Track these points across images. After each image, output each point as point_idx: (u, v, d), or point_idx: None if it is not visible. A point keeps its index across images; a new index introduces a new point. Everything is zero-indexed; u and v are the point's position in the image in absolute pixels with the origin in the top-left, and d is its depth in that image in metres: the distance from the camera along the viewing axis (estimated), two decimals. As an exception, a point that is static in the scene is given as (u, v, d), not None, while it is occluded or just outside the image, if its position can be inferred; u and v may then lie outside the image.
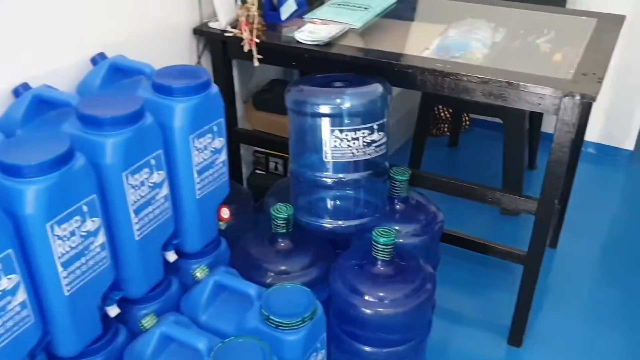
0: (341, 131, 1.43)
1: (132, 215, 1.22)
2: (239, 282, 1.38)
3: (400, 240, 1.58)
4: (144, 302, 1.37)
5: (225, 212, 1.52)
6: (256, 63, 1.68)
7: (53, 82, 1.34)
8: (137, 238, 1.25)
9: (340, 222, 1.53)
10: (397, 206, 1.67)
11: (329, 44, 1.61)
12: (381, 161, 1.52)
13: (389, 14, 1.88)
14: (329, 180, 1.48)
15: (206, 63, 1.82)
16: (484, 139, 2.82)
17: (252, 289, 1.35)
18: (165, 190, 1.29)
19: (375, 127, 1.45)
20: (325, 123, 1.42)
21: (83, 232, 1.11)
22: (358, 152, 1.45)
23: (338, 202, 1.53)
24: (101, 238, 1.16)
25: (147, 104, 1.29)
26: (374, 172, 1.51)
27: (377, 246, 1.41)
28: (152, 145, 1.23)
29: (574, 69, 1.46)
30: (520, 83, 1.40)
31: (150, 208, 1.26)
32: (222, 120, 1.39)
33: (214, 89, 1.36)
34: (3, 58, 1.28)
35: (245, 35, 1.65)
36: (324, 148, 1.45)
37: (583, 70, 1.45)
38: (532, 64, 1.56)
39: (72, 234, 1.10)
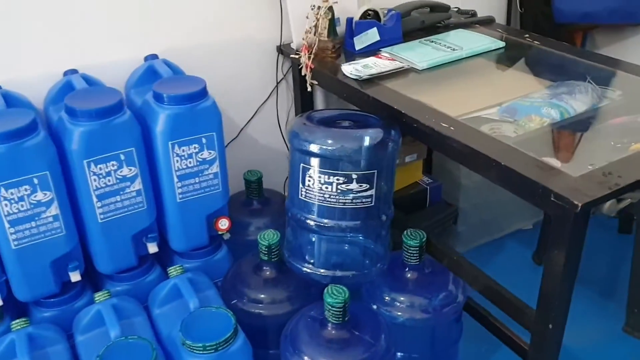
0: (315, 172, 1.33)
1: (95, 199, 1.36)
2: (189, 292, 1.42)
3: (399, 314, 1.42)
4: (115, 280, 1.51)
5: (223, 223, 1.56)
6: (309, 88, 1.66)
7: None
8: (100, 220, 1.39)
9: (321, 270, 1.44)
10: (408, 274, 1.48)
11: (368, 80, 1.50)
12: (369, 214, 1.37)
13: (491, 57, 1.65)
14: (304, 220, 1.39)
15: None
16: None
17: (192, 303, 1.39)
18: (137, 185, 1.40)
19: (355, 176, 1.32)
20: (302, 159, 1.35)
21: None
22: (331, 198, 1.34)
23: (310, 247, 1.44)
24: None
25: (144, 107, 1.43)
26: (359, 224, 1.38)
27: (326, 306, 1.30)
28: (124, 141, 1.35)
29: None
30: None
31: (117, 197, 1.39)
32: (214, 133, 1.43)
33: (208, 101, 1.42)
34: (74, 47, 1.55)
35: (303, 59, 1.64)
36: (300, 185, 1.37)
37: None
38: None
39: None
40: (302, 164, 1.36)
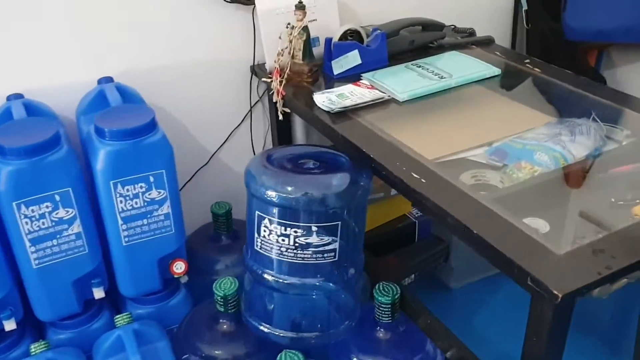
0: (270, 222, 1.18)
1: (27, 243, 1.22)
2: (132, 346, 1.28)
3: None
4: (57, 327, 1.38)
5: (178, 267, 1.41)
6: (280, 116, 1.50)
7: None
8: (34, 266, 1.25)
9: (278, 331, 1.27)
10: (379, 333, 1.32)
11: (341, 113, 1.34)
12: (333, 270, 1.21)
13: (484, 86, 1.47)
14: (259, 274, 1.24)
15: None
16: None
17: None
18: (76, 228, 1.26)
19: (315, 229, 1.16)
20: (258, 206, 1.19)
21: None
22: (288, 252, 1.18)
23: (267, 304, 1.28)
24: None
25: (87, 141, 1.29)
26: (321, 282, 1.21)
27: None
28: (59, 181, 1.21)
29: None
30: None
31: (53, 241, 1.25)
32: (163, 171, 1.28)
33: (156, 136, 1.26)
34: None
35: (274, 84, 1.48)
36: (255, 234, 1.22)
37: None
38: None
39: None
40: (257, 212, 1.20)
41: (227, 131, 1.68)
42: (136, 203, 1.29)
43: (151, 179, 1.27)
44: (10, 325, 1.31)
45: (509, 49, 1.66)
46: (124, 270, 1.36)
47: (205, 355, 1.32)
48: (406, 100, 1.39)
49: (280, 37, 1.48)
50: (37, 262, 1.25)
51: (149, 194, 1.29)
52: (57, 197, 1.21)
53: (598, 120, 1.31)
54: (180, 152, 1.62)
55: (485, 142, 1.28)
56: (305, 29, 1.47)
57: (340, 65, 1.52)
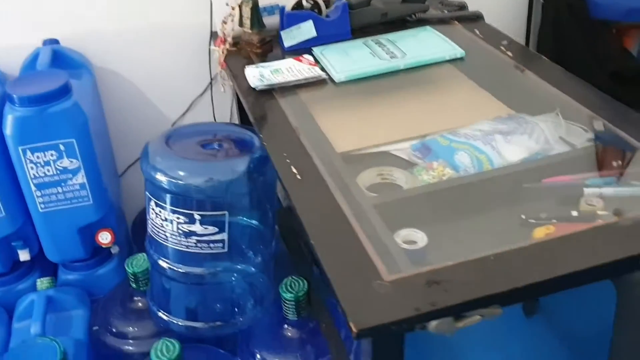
0: (156, 204, 1.10)
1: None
2: (38, 313, 1.27)
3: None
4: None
5: (104, 237, 1.38)
6: (221, 88, 1.40)
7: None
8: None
9: (177, 320, 1.20)
10: (286, 331, 1.22)
11: (266, 92, 1.22)
12: (223, 262, 1.12)
13: (441, 70, 1.28)
14: (151, 255, 1.18)
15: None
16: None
17: (34, 327, 1.25)
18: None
19: (198, 217, 1.07)
20: (147, 186, 1.12)
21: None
22: (173, 238, 1.10)
23: (164, 290, 1.21)
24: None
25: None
26: (210, 272, 1.13)
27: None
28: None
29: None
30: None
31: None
32: (74, 140, 1.24)
33: (66, 103, 1.22)
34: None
35: (217, 53, 1.38)
36: (147, 216, 1.15)
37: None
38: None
39: None
40: (146, 192, 1.13)
41: (187, 102, 1.62)
42: (48, 171, 1.25)
43: (61, 147, 1.24)
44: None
45: (493, 28, 1.44)
46: (44, 235, 1.35)
47: (114, 329, 1.29)
48: (343, 82, 1.25)
49: (227, 3, 1.38)
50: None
51: (61, 163, 1.25)
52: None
53: (561, 117, 1.12)
54: (134, 122, 1.60)
55: (417, 135, 1.12)
56: (253, -4, 1.36)
57: (292, 37, 1.39)
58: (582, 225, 0.88)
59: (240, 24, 1.39)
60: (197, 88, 1.61)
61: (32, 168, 1.25)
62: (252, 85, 1.23)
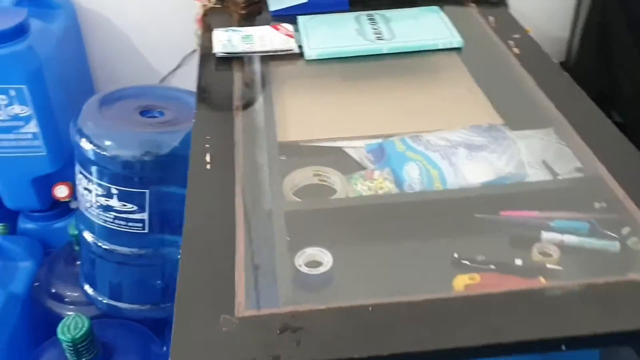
0: (79, 171, 1.01)
1: None
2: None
3: None
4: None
5: (60, 191, 1.32)
6: (196, 46, 1.28)
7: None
8: None
9: (102, 298, 1.14)
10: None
11: (228, 60, 1.09)
12: (144, 243, 1.02)
13: (431, 61, 1.10)
14: (80, 227, 1.10)
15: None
16: None
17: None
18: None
19: (115, 191, 0.97)
20: (76, 148, 1.03)
21: None
22: (91, 209, 1.01)
23: (89, 266, 1.13)
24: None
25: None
26: (132, 252, 1.04)
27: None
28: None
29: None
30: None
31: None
32: (24, 86, 1.16)
33: (17, 46, 1.14)
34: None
35: (198, 7, 1.26)
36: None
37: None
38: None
39: None
40: (75, 155, 1.04)
41: (178, 58, 1.51)
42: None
43: (12, 92, 1.17)
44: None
45: (511, 16, 1.22)
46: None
47: (52, 290, 1.24)
48: (314, 59, 1.10)
49: (212, -46, 1.24)
50: None
51: (12, 109, 1.19)
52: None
53: (553, 137, 0.93)
54: (122, 72, 1.51)
55: (381, 134, 0.97)
56: (238, -51, 1.21)
57: (279, 0, 1.25)
58: (517, 282, 0.72)
59: (225, -22, 1.26)
60: (190, 44, 1.50)
61: None
62: (214, 51, 1.11)
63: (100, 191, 0.99)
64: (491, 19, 1.20)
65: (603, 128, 0.91)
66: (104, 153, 0.95)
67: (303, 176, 0.91)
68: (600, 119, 0.93)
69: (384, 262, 0.77)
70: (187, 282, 0.66)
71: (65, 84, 1.30)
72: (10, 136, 1.23)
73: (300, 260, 0.75)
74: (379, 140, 0.95)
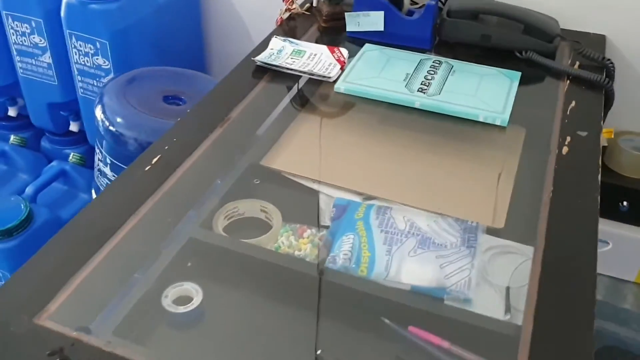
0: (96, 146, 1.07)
1: (14, 52, 1.45)
2: (41, 180, 1.40)
3: None
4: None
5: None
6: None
7: None
8: (20, 74, 1.48)
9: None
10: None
11: (265, 69, 1.05)
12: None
13: (470, 133, 0.95)
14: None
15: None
16: None
17: (29, 189, 1.38)
18: (47, 59, 1.41)
19: (109, 162, 1.01)
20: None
21: None
22: (94, 169, 1.06)
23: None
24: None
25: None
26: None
27: None
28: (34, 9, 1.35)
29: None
30: None
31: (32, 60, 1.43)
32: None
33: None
34: None
35: (281, 11, 1.23)
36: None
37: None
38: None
39: None
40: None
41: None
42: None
43: (33, 23, 1.33)
44: (13, 111, 1.58)
45: (595, 107, 0.98)
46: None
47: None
48: (342, 93, 1.02)
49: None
50: (21, 71, 1.46)
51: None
52: (33, 24, 1.35)
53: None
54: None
55: (365, 193, 0.87)
56: (332, -40, 1.16)
57: (356, 23, 1.17)
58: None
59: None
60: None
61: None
62: (256, 57, 1.09)
63: (100, 156, 1.05)
64: (572, 105, 1.01)
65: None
66: (111, 128, 1.01)
67: (249, 207, 0.86)
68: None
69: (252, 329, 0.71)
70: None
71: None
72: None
73: (168, 297, 0.72)
74: (351, 199, 0.86)
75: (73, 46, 1.34)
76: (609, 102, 1.07)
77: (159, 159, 0.85)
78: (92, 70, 1.36)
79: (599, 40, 1.22)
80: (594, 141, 0.92)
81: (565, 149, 0.90)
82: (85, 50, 1.33)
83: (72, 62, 1.37)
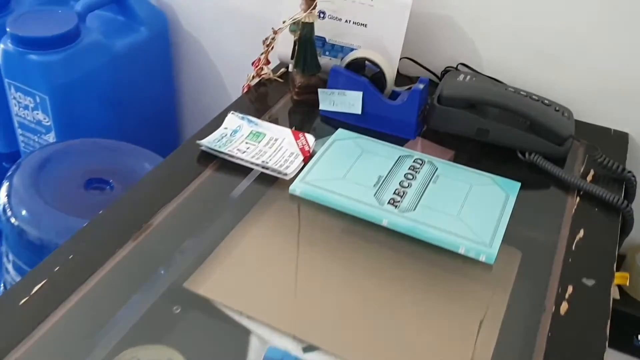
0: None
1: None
2: None
3: None
4: None
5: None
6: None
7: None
8: None
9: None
10: None
11: (213, 157, 0.87)
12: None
13: (460, 264, 0.75)
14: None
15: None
16: None
17: None
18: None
19: (12, 258, 0.83)
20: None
21: None
22: None
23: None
24: None
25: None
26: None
27: None
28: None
29: None
30: None
31: None
32: (47, 97, 1.10)
33: (49, 58, 1.06)
34: None
35: (248, 77, 1.05)
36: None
37: None
38: None
39: None
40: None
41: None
42: (27, 115, 1.18)
43: (37, 98, 1.12)
44: None
45: (608, 238, 0.79)
46: None
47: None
48: (297, 195, 0.83)
49: (282, 23, 1.02)
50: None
51: (36, 114, 1.14)
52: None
53: None
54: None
55: (307, 340, 0.69)
56: (306, 26, 0.97)
57: (330, 101, 0.98)
58: None
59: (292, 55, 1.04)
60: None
61: (15, 105, 1.17)
62: (201, 141, 0.90)
63: (4, 248, 0.88)
64: (580, 236, 0.81)
65: None
66: (13, 221, 0.83)
67: (153, 357, 0.68)
68: None
69: None
70: None
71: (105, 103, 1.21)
72: (35, 137, 1.22)
73: None
74: (287, 349, 0.68)
75: (12, 97, 1.18)
76: (627, 227, 0.87)
77: (42, 286, 0.67)
78: (33, 125, 1.19)
79: (621, 139, 1.02)
80: (603, 294, 0.72)
81: (564, 306, 0.71)
82: (25, 102, 1.16)
83: (13, 113, 1.22)
